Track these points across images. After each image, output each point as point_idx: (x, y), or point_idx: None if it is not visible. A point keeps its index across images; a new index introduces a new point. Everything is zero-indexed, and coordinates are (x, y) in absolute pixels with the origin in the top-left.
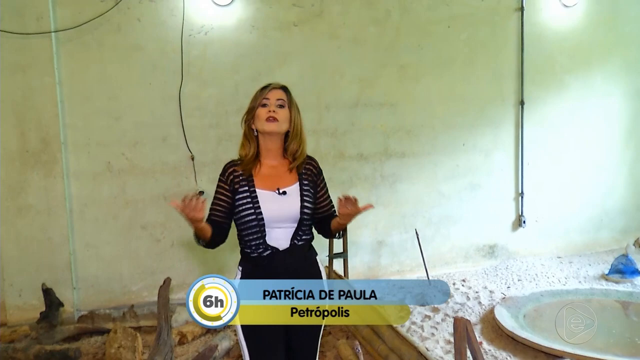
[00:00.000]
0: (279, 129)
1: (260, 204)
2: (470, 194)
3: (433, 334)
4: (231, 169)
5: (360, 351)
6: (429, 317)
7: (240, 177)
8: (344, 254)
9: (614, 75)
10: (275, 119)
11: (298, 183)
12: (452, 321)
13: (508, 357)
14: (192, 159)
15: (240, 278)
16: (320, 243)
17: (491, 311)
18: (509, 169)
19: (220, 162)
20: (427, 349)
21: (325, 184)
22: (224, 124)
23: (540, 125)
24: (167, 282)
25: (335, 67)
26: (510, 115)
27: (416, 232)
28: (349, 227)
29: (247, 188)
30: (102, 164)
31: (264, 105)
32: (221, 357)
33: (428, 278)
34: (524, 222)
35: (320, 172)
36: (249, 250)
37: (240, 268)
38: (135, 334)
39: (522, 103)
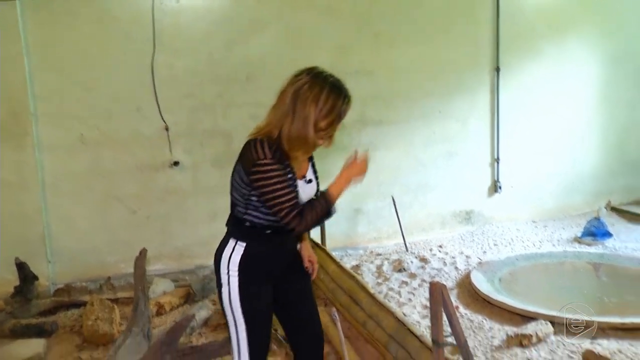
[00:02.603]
0: None
1: (299, 192)
2: (447, 161)
3: (410, 300)
4: (277, 153)
5: (338, 318)
6: (406, 283)
7: (285, 163)
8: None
9: (588, 42)
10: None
11: (311, 169)
12: (429, 286)
13: (484, 320)
14: (167, 129)
15: (243, 254)
16: None
17: (467, 276)
18: (484, 135)
19: (195, 132)
20: (404, 314)
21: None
22: (198, 93)
23: (516, 92)
24: (143, 253)
25: (310, 35)
26: (486, 82)
27: (393, 200)
28: None
29: (291, 175)
30: (74, 136)
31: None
32: (199, 327)
33: (405, 245)
34: (500, 187)
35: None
36: (264, 223)
37: (244, 244)
38: (112, 306)
39: (497, 70)
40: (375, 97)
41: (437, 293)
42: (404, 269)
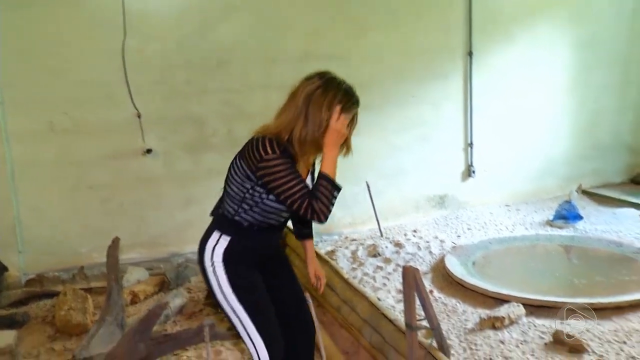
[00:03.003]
0: None
1: None
2: (421, 146)
3: (385, 284)
4: (285, 151)
5: (311, 302)
6: (380, 268)
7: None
8: None
9: (559, 26)
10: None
11: (309, 177)
12: (402, 271)
13: (457, 304)
14: (139, 116)
15: (227, 247)
16: None
17: (441, 260)
18: (458, 119)
19: (168, 119)
20: (379, 299)
21: None
22: (170, 79)
23: (489, 76)
24: (115, 241)
25: (283, 20)
26: (458, 67)
27: (367, 185)
28: None
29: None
30: (43, 124)
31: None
32: (174, 315)
33: (380, 230)
34: (473, 172)
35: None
36: (253, 222)
37: (229, 238)
38: (85, 296)
39: (470, 54)
40: (349, 82)
41: (409, 277)
42: (379, 254)
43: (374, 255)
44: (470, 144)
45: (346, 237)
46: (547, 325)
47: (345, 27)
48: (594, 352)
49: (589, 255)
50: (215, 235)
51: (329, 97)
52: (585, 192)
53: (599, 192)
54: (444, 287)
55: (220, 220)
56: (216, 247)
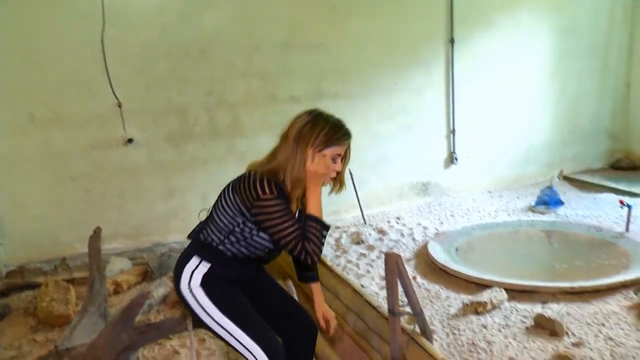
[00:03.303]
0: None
1: None
2: (404, 134)
3: (368, 271)
4: (280, 192)
5: (294, 290)
6: (364, 255)
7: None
8: None
9: (539, 14)
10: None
11: (297, 213)
12: (385, 257)
13: (441, 290)
14: (120, 106)
15: (206, 273)
16: None
17: (425, 246)
18: (440, 107)
19: (149, 109)
20: (362, 286)
21: None
22: (151, 69)
23: (470, 64)
24: (97, 232)
25: (265, 9)
26: (440, 54)
27: (350, 173)
28: None
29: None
30: (23, 116)
31: (333, 160)
32: (157, 304)
33: (363, 217)
34: (456, 159)
35: None
36: (237, 254)
37: (209, 265)
38: (67, 286)
39: (452, 41)
40: (331, 70)
41: (392, 263)
42: (362, 241)
43: (358, 243)
44: (453, 131)
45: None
46: (529, 309)
47: (327, 16)
48: (573, 334)
49: (569, 240)
50: (195, 260)
51: (317, 131)
52: (566, 178)
53: (579, 177)
54: (427, 273)
55: (202, 245)
56: (195, 272)
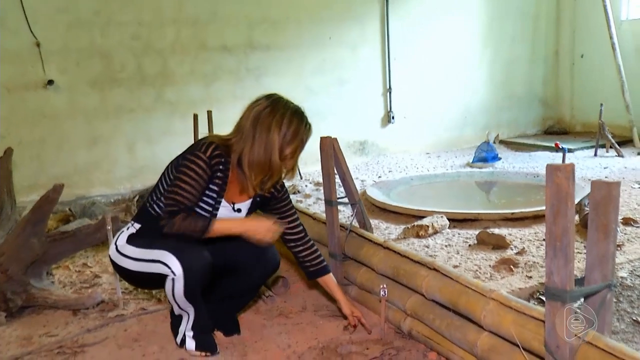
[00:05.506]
0: None
1: (217, 213)
2: (339, 90)
3: (308, 208)
4: (218, 160)
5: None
6: (300, 201)
7: (219, 175)
8: None
9: None
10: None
11: (249, 205)
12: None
13: (380, 223)
14: (38, 45)
15: (131, 233)
16: None
17: (364, 193)
18: (376, 64)
19: (71, 50)
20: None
21: (289, 201)
22: (73, 8)
23: (406, 22)
24: (7, 152)
25: None
26: (375, 10)
27: None
28: None
29: (217, 191)
30: None
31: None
32: None
33: (299, 173)
34: (393, 118)
35: (282, 187)
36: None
37: (139, 226)
38: None
39: None
40: (263, 20)
41: (327, 147)
42: (299, 191)
43: (294, 193)
44: (389, 89)
45: None
46: (471, 233)
47: None
48: (516, 247)
49: (508, 185)
50: (126, 226)
51: (277, 117)
52: (502, 142)
53: (515, 140)
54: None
55: (139, 212)
56: (122, 235)
